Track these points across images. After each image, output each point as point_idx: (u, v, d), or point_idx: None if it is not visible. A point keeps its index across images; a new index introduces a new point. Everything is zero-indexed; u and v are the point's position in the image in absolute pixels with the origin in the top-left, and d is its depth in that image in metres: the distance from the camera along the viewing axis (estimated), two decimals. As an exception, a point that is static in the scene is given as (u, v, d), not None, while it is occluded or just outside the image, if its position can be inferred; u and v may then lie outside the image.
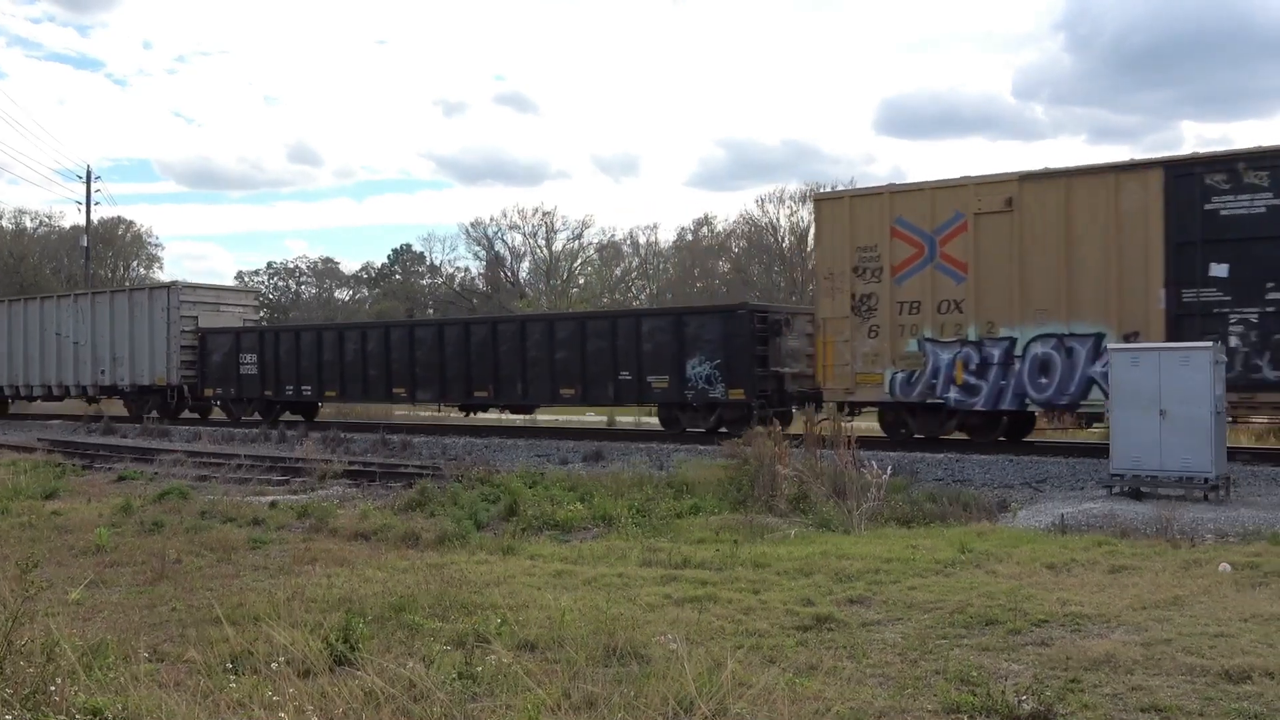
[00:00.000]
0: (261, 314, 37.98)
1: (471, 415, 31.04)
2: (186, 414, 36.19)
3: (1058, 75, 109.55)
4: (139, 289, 38.07)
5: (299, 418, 34.20)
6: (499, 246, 76.24)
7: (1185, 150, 70.49)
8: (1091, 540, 11.80)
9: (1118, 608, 8.62)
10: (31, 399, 40.54)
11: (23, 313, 39.60)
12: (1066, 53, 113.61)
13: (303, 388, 32.05)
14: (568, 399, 26.01)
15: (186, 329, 34.72)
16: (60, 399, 39.26)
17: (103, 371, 36.48)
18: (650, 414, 32.12)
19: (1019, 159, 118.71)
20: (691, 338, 24.63)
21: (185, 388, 34.62)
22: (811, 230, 64.47)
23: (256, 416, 33.26)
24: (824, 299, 22.31)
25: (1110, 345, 16.82)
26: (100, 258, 77.14)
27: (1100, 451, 18.09)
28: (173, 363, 34.49)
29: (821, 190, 63.18)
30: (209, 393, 34.57)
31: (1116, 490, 15.41)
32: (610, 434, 26.99)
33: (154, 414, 34.98)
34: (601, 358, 25.91)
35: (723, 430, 23.70)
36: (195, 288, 37.32)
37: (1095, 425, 21.08)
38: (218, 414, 36.64)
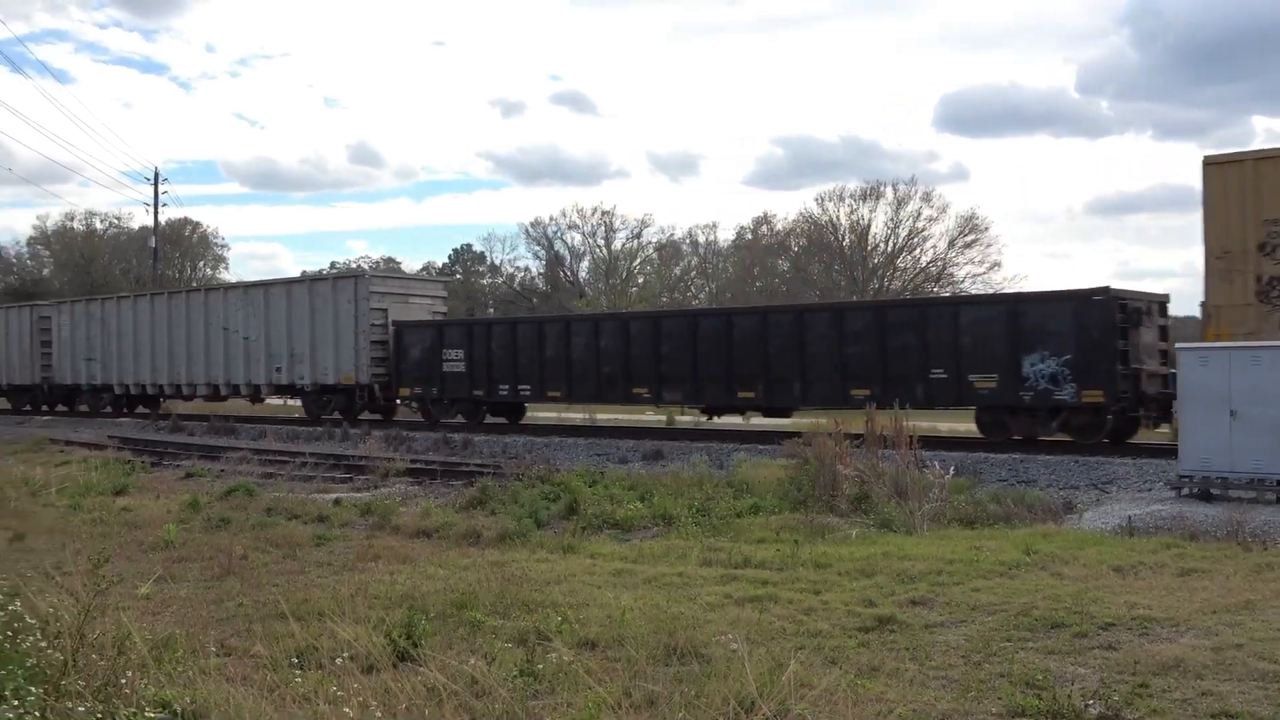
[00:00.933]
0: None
1: (713, 419, 27.85)
2: (366, 415, 33.05)
3: (1123, 70, 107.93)
4: (321, 279, 35.45)
5: (501, 419, 30.78)
6: (558, 246, 76.54)
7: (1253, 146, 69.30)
8: (1160, 543, 11.60)
9: (1187, 611, 8.47)
10: (189, 398, 37.68)
11: (184, 306, 36.77)
12: (1132, 47, 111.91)
13: (520, 387, 28.39)
14: (860, 400, 20.66)
15: (376, 322, 31.19)
16: (224, 398, 36.51)
17: (278, 369, 33.42)
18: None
19: (1085, 156, 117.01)
20: (1031, 329, 20.79)
21: (375, 387, 31.29)
22: (873, 228, 64.27)
23: (459, 419, 29.91)
24: (1216, 283, 18.62)
25: (1179, 345, 16.51)
26: (168, 258, 78.48)
27: (1168, 452, 17.78)
28: (362, 360, 31.17)
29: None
30: (405, 393, 31.02)
31: (1185, 492, 15.13)
32: (669, 433, 26.94)
33: (334, 415, 32.45)
34: (907, 354, 22.28)
35: (1065, 439, 21.20)
36: (385, 277, 34.45)
37: (1163, 425, 20.74)
38: (402, 414, 33.47)
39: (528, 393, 28.53)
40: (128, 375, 38.49)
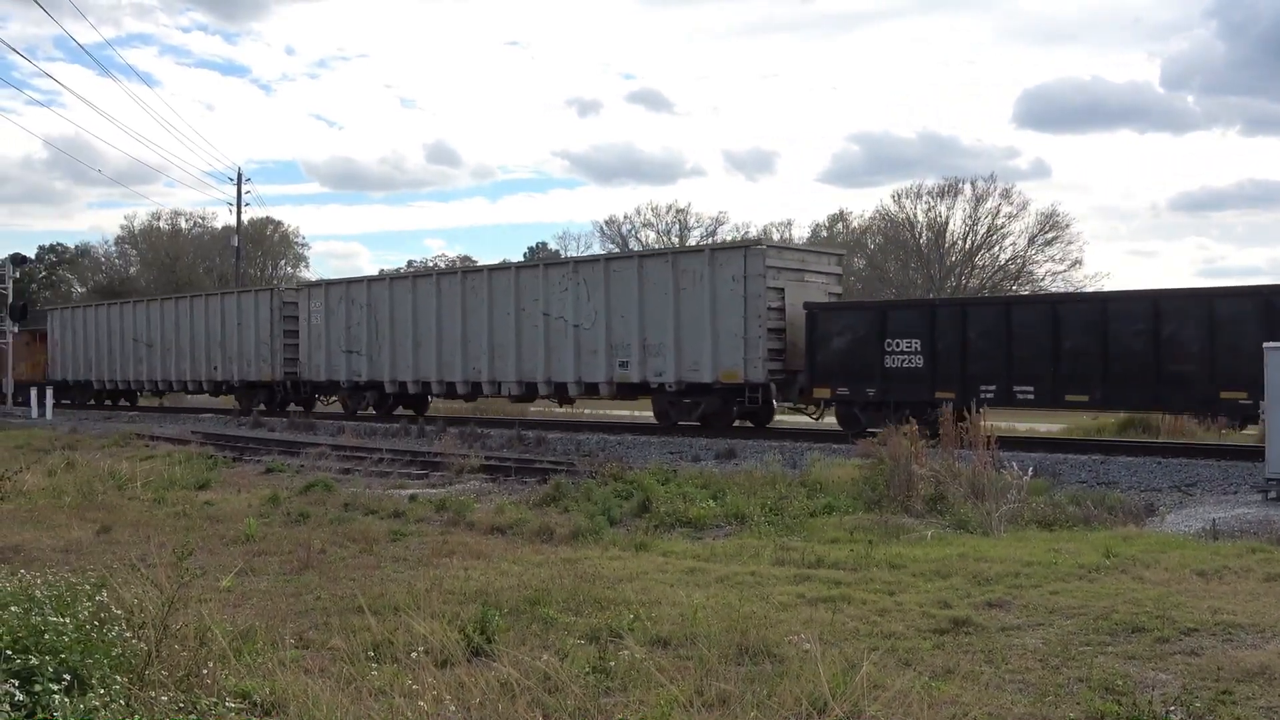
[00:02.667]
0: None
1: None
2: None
3: (1210, 64, 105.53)
4: (691, 252, 28.51)
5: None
6: (633, 244, 76.63)
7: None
8: (1245, 547, 11.32)
9: (1273, 618, 8.27)
10: (473, 397, 32.24)
11: (485, 286, 30.49)
12: (1219, 40, 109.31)
13: (1018, 388, 21.47)
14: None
15: (773, 305, 25.05)
16: (529, 399, 31.17)
17: (623, 364, 27.17)
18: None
19: (1170, 152, 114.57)
20: None
21: (772, 385, 25.22)
22: (951, 226, 63.48)
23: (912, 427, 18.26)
24: None
25: (1266, 344, 16.07)
26: (250, 257, 79.89)
27: (1255, 454, 17.36)
28: (756, 352, 24.77)
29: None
30: (823, 392, 24.46)
31: (1273, 495, 14.77)
32: (743, 432, 26.86)
33: (696, 420, 26.77)
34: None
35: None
36: (780, 249, 27.34)
37: (1250, 427, 20.24)
38: (784, 419, 28.13)
39: (1032, 395, 21.45)
40: (404, 370, 32.74)
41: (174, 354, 41.75)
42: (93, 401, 47.70)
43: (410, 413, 34.64)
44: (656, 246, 64.69)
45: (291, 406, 37.81)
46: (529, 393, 30.10)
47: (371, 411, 34.73)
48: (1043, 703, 6.37)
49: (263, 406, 37.93)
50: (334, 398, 37.33)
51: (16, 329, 51.25)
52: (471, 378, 30.90)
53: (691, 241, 73.33)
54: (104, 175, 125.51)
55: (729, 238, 75.63)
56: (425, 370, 32.26)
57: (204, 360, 40.34)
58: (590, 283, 28.10)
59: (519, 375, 29.66)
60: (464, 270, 33.12)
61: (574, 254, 46.32)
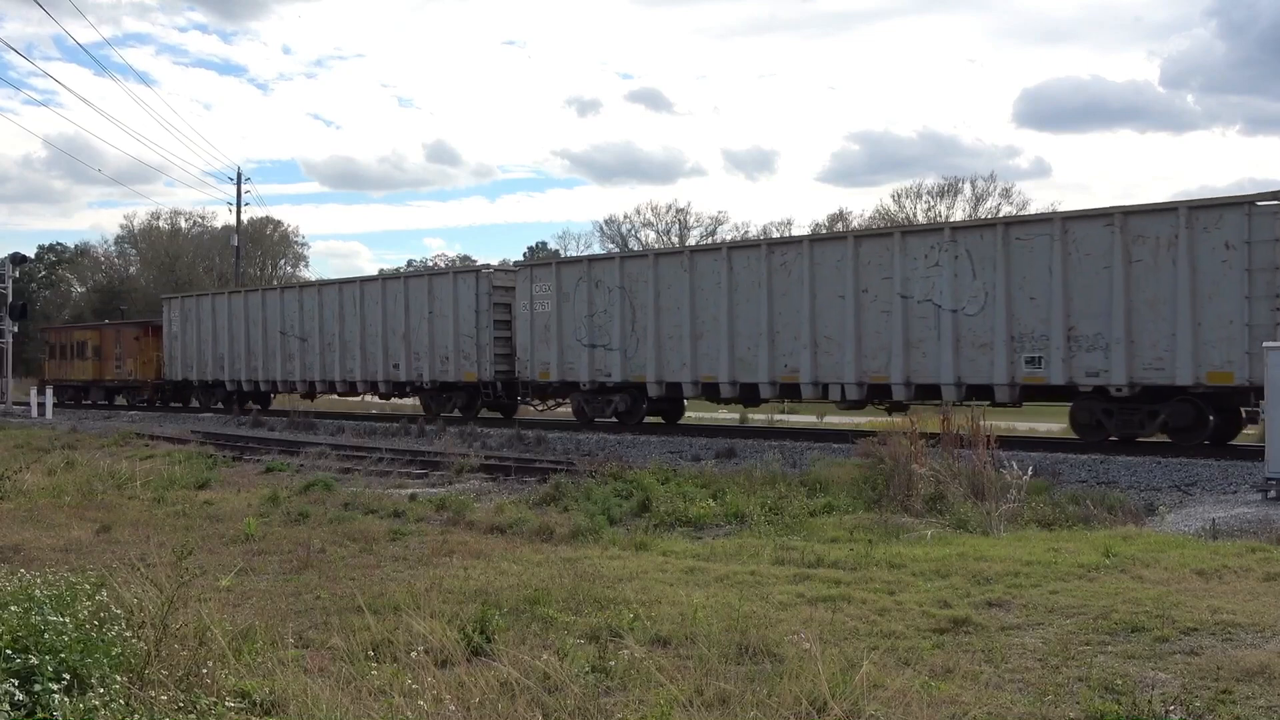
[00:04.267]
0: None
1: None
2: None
3: (1210, 63, 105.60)
4: (1157, 210, 20.18)
5: None
6: (633, 243, 76.65)
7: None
8: (1245, 546, 11.32)
9: (1273, 617, 8.27)
10: (784, 399, 26.61)
11: (803, 259, 24.06)
12: (1219, 39, 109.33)
13: None
14: None
15: None
16: (861, 406, 24.41)
17: (1033, 360, 21.04)
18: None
19: (1170, 151, 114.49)
20: None
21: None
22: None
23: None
24: None
25: (1266, 344, 16.08)
26: (250, 256, 79.94)
27: (1254, 454, 17.36)
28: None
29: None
30: None
31: (1272, 495, 14.77)
32: (743, 431, 26.87)
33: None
34: None
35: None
36: None
37: (1249, 427, 20.24)
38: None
39: None
40: (674, 368, 26.43)
41: (336, 350, 35.30)
42: (220, 405, 41.68)
43: (658, 419, 29.34)
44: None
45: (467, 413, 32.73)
46: (872, 396, 23.64)
47: (610, 419, 28.69)
48: (1042, 702, 6.37)
49: (457, 412, 32.58)
50: (551, 402, 31.33)
51: (120, 321, 49.41)
52: (782, 376, 24.43)
53: (690, 243, 73.10)
54: (104, 174, 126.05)
55: (728, 237, 75.69)
56: (709, 367, 25.73)
57: (379, 357, 33.83)
58: (977, 255, 21.96)
59: (858, 374, 23.17)
60: (770, 243, 25.69)
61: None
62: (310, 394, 37.92)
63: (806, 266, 24.03)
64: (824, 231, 27.03)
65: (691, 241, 74.14)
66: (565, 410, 31.33)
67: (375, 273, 42.26)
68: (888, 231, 24.83)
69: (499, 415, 32.86)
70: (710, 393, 26.27)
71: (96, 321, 54.24)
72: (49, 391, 42.26)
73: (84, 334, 49.21)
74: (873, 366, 23.11)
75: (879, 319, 23.00)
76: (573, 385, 28.89)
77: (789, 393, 25.00)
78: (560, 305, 28.80)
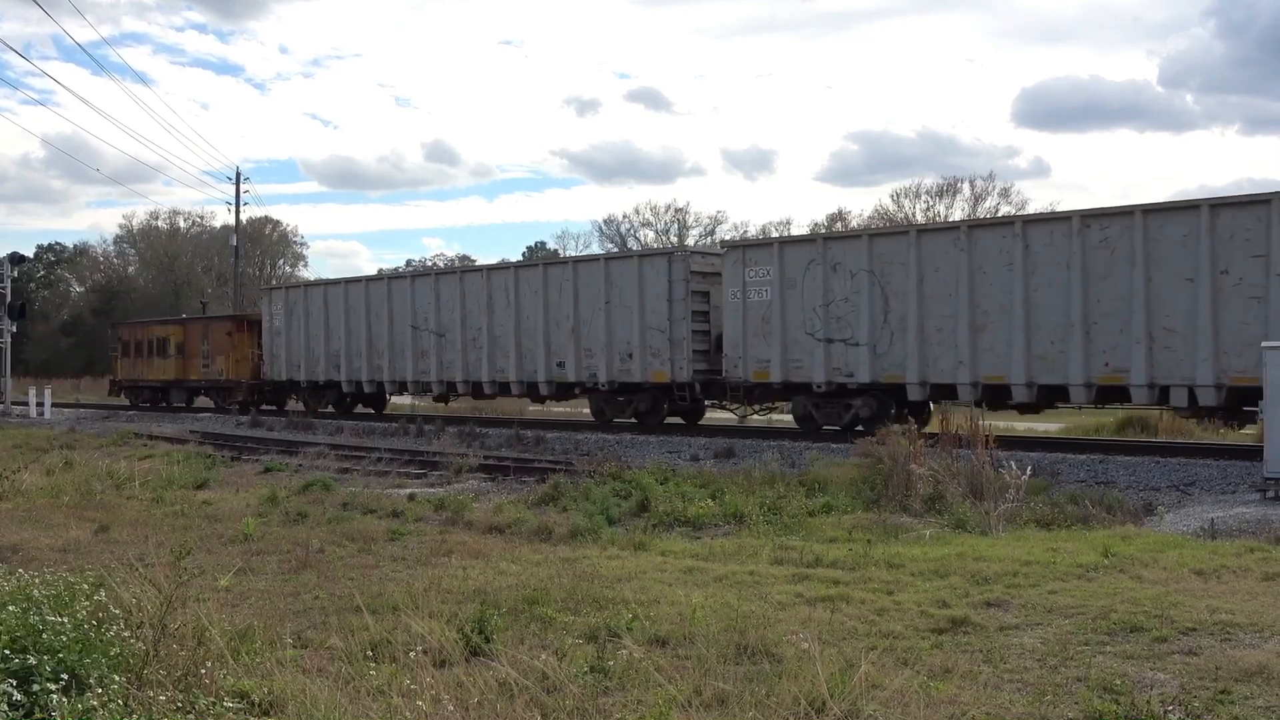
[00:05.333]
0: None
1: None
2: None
3: (1209, 63, 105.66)
4: None
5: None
6: (631, 243, 76.67)
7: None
8: (1243, 546, 11.33)
9: (1271, 617, 8.27)
10: (1101, 403, 21.33)
11: (1136, 234, 19.76)
12: (1218, 39, 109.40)
13: None
14: None
15: None
16: (1214, 411, 19.46)
17: None
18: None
19: (1169, 151, 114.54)
20: None
21: None
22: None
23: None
24: None
25: (1264, 344, 16.07)
26: (248, 256, 79.90)
27: (1253, 454, 17.36)
28: None
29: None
30: None
31: (1271, 495, 14.77)
32: (741, 431, 26.86)
33: None
34: None
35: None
36: None
37: (1248, 427, 20.24)
38: None
39: None
40: (948, 368, 21.92)
41: (484, 346, 30.40)
42: (330, 408, 36.03)
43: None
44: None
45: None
46: (1233, 400, 18.88)
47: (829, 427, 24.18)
48: (1041, 702, 6.37)
49: (634, 419, 27.94)
50: (759, 407, 26.26)
51: (209, 315, 45.56)
52: (1100, 377, 20.05)
53: (689, 243, 73.08)
54: (102, 174, 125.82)
55: (726, 237, 75.78)
56: (994, 365, 21.34)
57: (539, 354, 28.99)
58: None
59: (1215, 374, 18.75)
60: (1085, 215, 20.69)
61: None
62: (444, 397, 32.96)
63: (1138, 242, 19.59)
64: (1162, 202, 19.06)
65: (690, 243, 74.19)
66: (783, 418, 26.33)
67: (528, 257, 38.57)
68: (1262, 198, 18.75)
69: (680, 421, 28.18)
70: (995, 396, 21.66)
71: (179, 316, 49.54)
72: (48, 392, 42.18)
73: (165, 329, 43.74)
74: (1235, 366, 18.59)
75: (1245, 307, 18.64)
76: (800, 387, 24.21)
77: (1110, 396, 20.59)
78: (783, 292, 24.10)
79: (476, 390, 31.16)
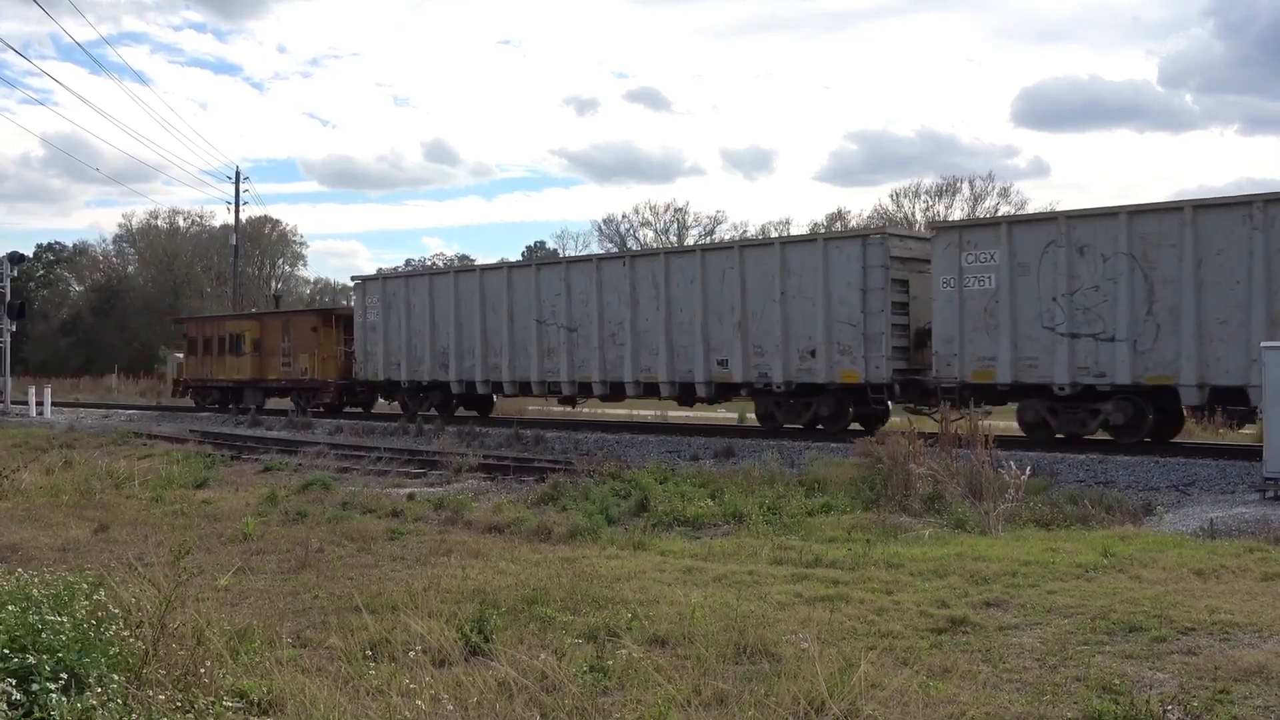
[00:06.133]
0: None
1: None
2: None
3: (1208, 62, 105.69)
4: None
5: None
6: (631, 243, 76.65)
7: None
8: (1243, 546, 11.33)
9: (1271, 617, 8.27)
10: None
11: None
12: (1218, 39, 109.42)
13: None
14: None
15: None
16: None
17: None
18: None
19: (1169, 151, 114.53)
20: None
21: None
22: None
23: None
24: None
25: (1264, 343, 16.06)
26: (248, 255, 79.87)
27: (1252, 454, 17.36)
28: None
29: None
30: None
31: (1270, 495, 14.77)
32: (741, 431, 26.84)
33: None
34: None
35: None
36: None
37: (1247, 426, 20.23)
38: None
39: None
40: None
41: (626, 342, 27.04)
42: (432, 411, 32.42)
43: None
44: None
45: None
46: None
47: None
48: (1040, 702, 6.37)
49: (812, 425, 24.59)
50: (978, 409, 20.77)
51: (291, 309, 42.82)
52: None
53: (689, 242, 72.99)
54: (101, 173, 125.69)
55: (725, 237, 75.75)
56: None
57: (696, 352, 25.63)
58: None
59: None
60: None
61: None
62: (571, 399, 29.89)
63: None
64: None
65: (689, 243, 74.02)
66: (1006, 423, 22.49)
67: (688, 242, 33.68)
68: None
69: (860, 428, 24.37)
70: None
71: (254, 311, 46.40)
72: (48, 392, 42.03)
73: (239, 325, 40.43)
74: None
75: None
76: (1033, 389, 21.05)
77: None
78: (1013, 279, 20.97)
79: (616, 391, 27.80)
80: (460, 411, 33.36)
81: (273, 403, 39.87)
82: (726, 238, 73.35)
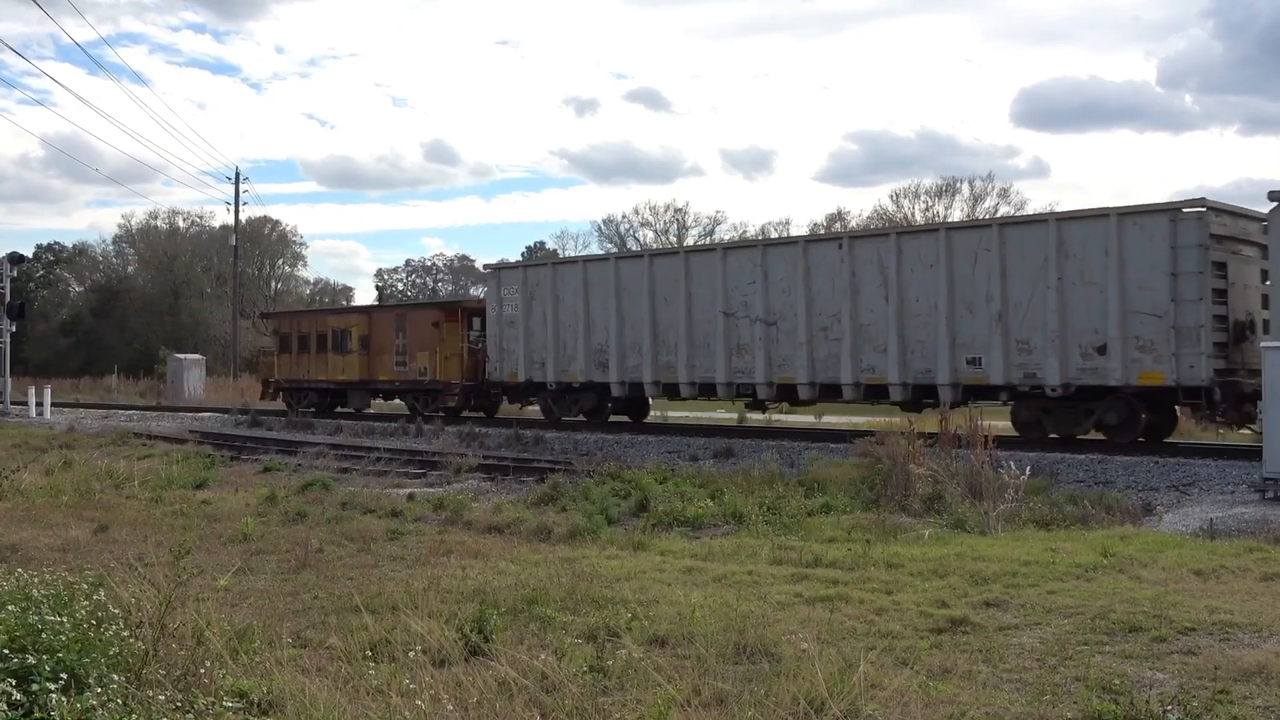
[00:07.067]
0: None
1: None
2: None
3: (1208, 63, 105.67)
4: None
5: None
6: (631, 243, 76.65)
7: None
8: (1242, 546, 11.34)
9: (1270, 617, 8.27)
10: None
11: None
12: (1217, 40, 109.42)
13: None
14: None
15: None
16: None
17: None
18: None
19: (1168, 151, 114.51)
20: None
21: None
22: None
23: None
24: None
25: (1264, 344, 16.06)
26: (247, 256, 79.84)
27: (1252, 454, 17.36)
28: None
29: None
30: None
31: (1270, 495, 14.77)
32: (741, 431, 26.81)
33: None
34: None
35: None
36: None
37: (1248, 427, 20.21)
38: None
39: None
40: None
41: (841, 337, 23.29)
42: (580, 417, 29.34)
43: None
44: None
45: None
46: None
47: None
48: (1040, 702, 6.37)
49: (1096, 433, 21.20)
50: None
51: (405, 303, 39.71)
52: None
53: (689, 243, 72.90)
54: (101, 174, 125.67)
55: (727, 237, 75.71)
56: None
57: (940, 347, 21.91)
58: None
59: None
60: None
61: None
62: (760, 404, 26.03)
63: None
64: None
65: (689, 243, 73.94)
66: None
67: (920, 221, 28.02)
68: None
69: (1141, 440, 20.79)
70: None
71: (360, 304, 41.92)
72: (48, 392, 41.85)
73: (343, 320, 36.59)
74: None
75: None
76: None
77: None
78: None
79: (828, 393, 24.12)
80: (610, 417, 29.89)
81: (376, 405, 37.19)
82: (724, 239, 73.08)
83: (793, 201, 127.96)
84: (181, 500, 16.40)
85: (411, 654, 6.99)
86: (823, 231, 57.70)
